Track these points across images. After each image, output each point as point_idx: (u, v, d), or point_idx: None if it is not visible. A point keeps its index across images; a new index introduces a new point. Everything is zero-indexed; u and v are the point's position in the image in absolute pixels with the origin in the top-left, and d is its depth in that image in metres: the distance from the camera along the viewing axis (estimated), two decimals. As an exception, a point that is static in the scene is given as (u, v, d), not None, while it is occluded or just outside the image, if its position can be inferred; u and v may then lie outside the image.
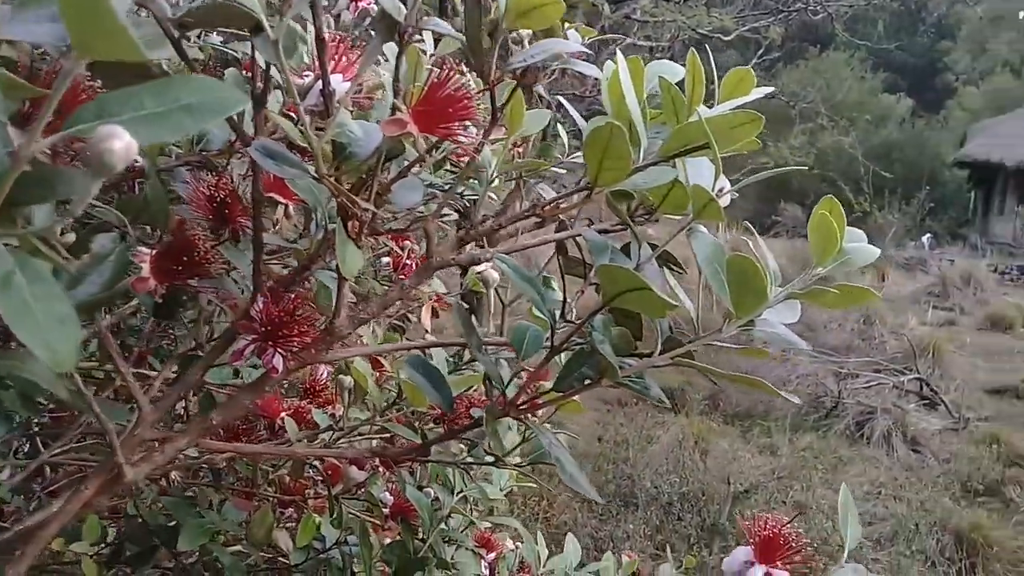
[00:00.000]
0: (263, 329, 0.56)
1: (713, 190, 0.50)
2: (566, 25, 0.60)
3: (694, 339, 0.56)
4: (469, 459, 0.84)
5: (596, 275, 0.47)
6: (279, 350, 0.55)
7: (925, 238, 16.90)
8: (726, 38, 6.58)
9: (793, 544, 0.70)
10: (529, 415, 0.56)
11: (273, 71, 0.52)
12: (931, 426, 6.43)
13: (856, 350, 7.37)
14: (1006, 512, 5.11)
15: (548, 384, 0.58)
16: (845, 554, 0.73)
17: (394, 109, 0.50)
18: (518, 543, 1.17)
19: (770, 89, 0.58)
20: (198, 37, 0.85)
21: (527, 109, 0.60)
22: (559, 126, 0.89)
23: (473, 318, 0.59)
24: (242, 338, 0.57)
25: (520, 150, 0.74)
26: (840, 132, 10.11)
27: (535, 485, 1.13)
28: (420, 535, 1.02)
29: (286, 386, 1.05)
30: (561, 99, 0.89)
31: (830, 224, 0.54)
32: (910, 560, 4.47)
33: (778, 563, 0.70)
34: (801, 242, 14.21)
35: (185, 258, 0.56)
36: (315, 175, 0.47)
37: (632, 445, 5.73)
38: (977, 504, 5.13)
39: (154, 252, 0.55)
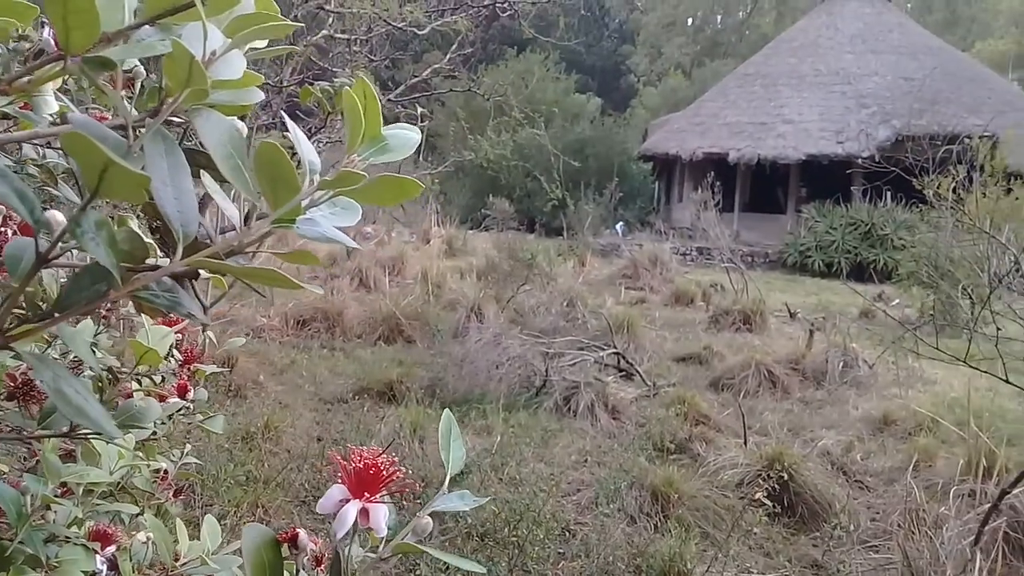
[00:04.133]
0: None
1: (204, 54, 0.43)
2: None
3: (224, 242, 0.49)
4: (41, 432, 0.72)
5: (64, 147, 0.38)
6: None
7: (618, 226, 18.40)
8: (420, 32, 6.66)
9: (388, 475, 0.66)
10: (20, 342, 0.46)
11: None
12: (628, 395, 6.99)
13: (561, 331, 7.82)
14: (694, 465, 5.65)
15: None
16: (447, 479, 0.71)
17: None
18: (149, 535, 1.04)
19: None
20: None
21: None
22: None
23: None
24: None
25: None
26: (536, 128, 10.68)
27: (156, 463, 1.01)
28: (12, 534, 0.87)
29: None
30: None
31: (358, 108, 0.49)
32: (612, 519, 4.79)
33: (375, 496, 0.66)
34: (511, 232, 14.88)
35: None
36: None
37: (351, 440, 5.65)
38: (669, 461, 5.61)
39: None
